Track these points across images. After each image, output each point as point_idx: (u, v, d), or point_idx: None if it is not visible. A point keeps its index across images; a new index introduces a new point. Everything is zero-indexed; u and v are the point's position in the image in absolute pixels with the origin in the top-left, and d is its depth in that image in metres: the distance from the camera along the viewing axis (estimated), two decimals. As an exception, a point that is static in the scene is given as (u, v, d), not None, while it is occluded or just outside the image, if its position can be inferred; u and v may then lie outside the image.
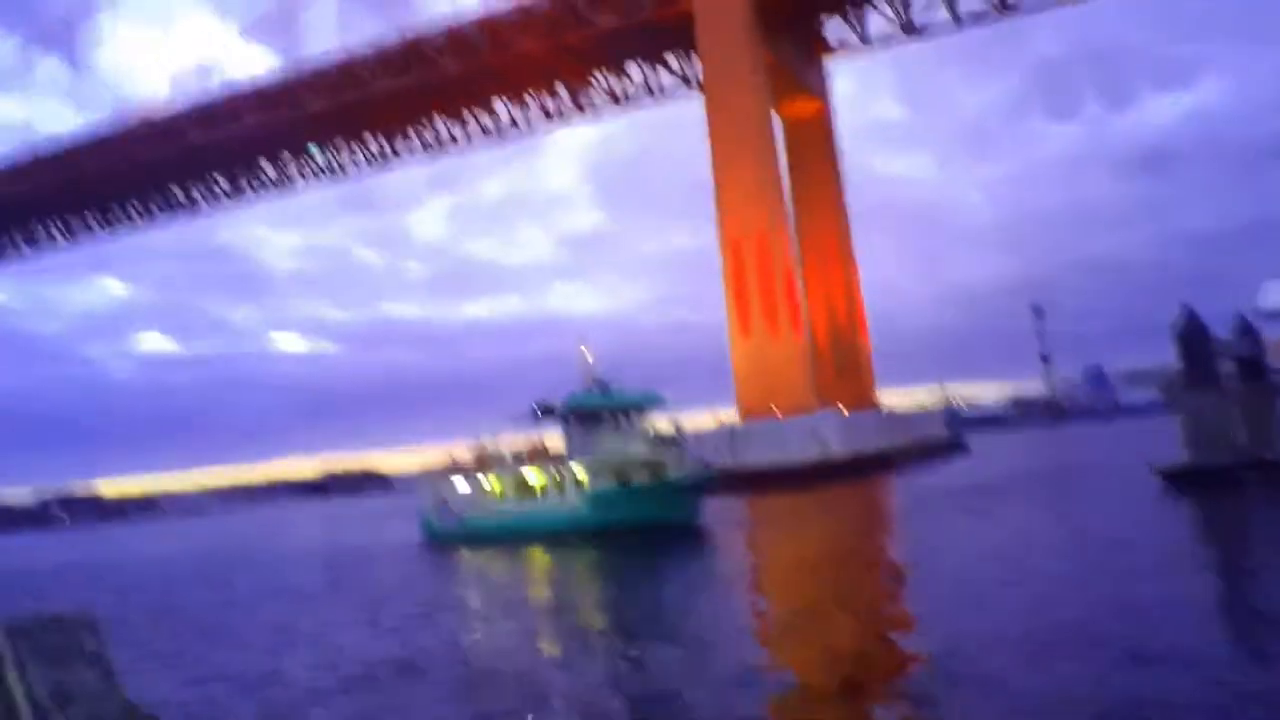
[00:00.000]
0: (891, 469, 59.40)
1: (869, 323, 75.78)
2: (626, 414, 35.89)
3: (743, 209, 63.49)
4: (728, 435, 60.26)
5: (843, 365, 72.16)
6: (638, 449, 34.98)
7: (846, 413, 63.13)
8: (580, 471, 35.11)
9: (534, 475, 36.81)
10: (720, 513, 41.29)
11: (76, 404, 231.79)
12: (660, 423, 37.61)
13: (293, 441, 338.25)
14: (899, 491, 45.44)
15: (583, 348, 38.11)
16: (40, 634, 6.53)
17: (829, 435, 56.84)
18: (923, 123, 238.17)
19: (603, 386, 36.72)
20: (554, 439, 37.40)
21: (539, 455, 37.41)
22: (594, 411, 35.69)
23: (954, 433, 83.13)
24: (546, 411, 36.43)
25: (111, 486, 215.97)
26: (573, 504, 34.92)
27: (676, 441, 36.82)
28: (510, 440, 38.73)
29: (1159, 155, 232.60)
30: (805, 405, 61.18)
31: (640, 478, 34.12)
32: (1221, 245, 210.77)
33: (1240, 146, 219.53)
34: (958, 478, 49.49)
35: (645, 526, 32.00)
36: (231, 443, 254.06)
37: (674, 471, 34.67)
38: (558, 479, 35.85)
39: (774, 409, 60.63)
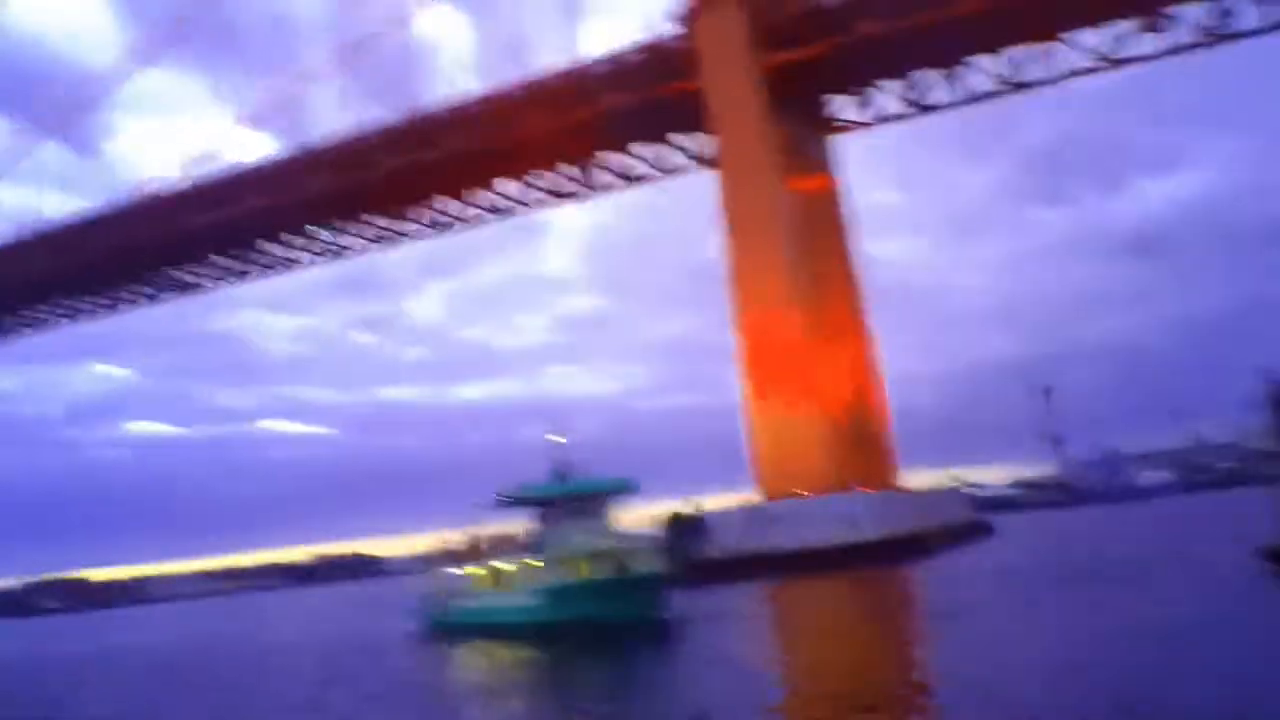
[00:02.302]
0: (924, 552, 56.71)
1: (888, 400, 73.77)
2: (592, 502, 34.32)
3: (757, 284, 62.21)
4: (751, 516, 57.71)
5: (861, 443, 69.70)
6: (598, 541, 32.98)
7: (866, 493, 60.62)
8: (535, 565, 33.41)
9: (502, 567, 35.59)
10: (739, 601, 39.10)
11: (68, 489, 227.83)
12: (666, 506, 36.22)
13: (284, 526, 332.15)
14: (943, 576, 42.91)
15: (552, 434, 36.70)
16: None
17: (860, 516, 54.25)
18: (916, 206, 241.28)
19: (562, 474, 35.08)
20: (524, 528, 36.19)
21: (506, 546, 36.23)
22: (555, 500, 34.25)
23: (978, 515, 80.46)
24: (511, 501, 35.20)
25: (101, 573, 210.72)
26: (528, 599, 33.11)
27: (640, 533, 36.16)
28: (489, 530, 37.85)
29: (1150, 239, 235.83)
30: (828, 484, 58.82)
31: (600, 571, 31.71)
32: (1217, 327, 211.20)
33: (1228, 230, 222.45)
34: (1001, 561, 47.04)
35: (603, 623, 29.86)
36: (222, 528, 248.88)
37: (638, 564, 32.41)
38: (516, 572, 34.52)
39: (798, 489, 58.19)
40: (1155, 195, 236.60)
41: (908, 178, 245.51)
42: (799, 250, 64.19)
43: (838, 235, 72.80)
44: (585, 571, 31.66)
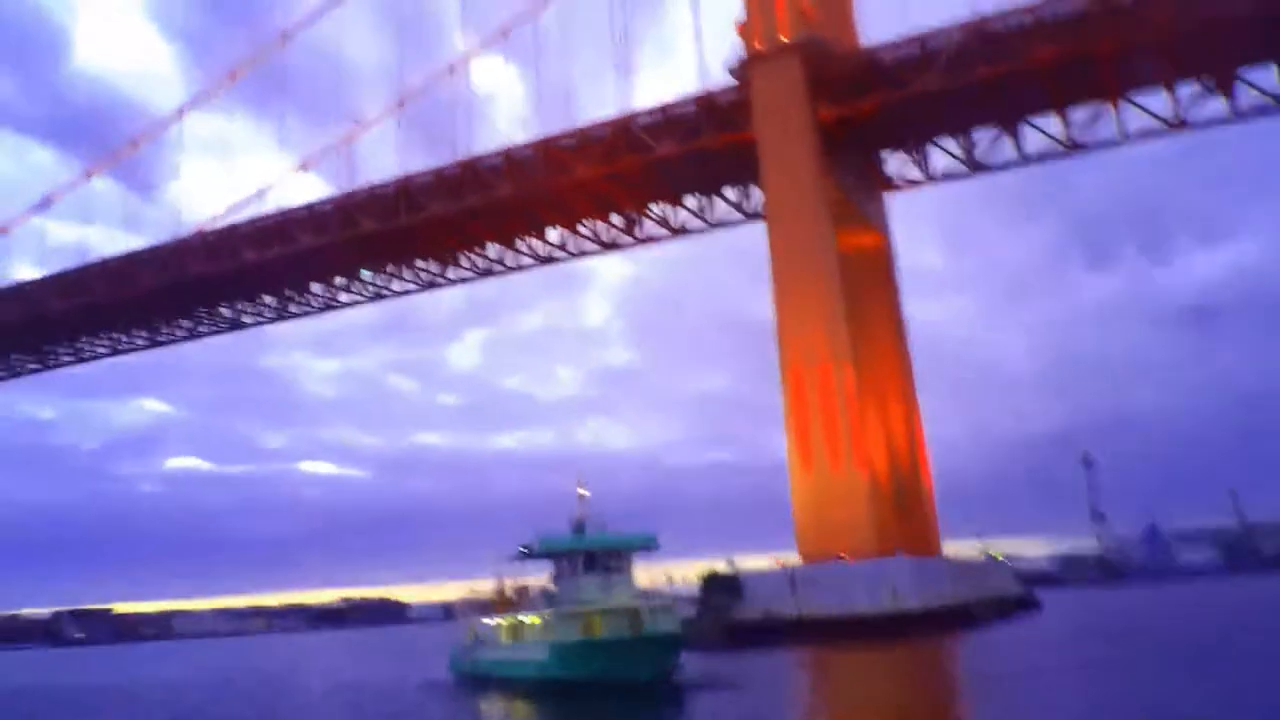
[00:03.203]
0: (970, 624, 54.40)
1: (931, 464, 71.85)
2: (610, 557, 33.45)
3: (805, 339, 61.10)
4: (789, 579, 55.80)
5: (904, 508, 67.77)
6: (613, 597, 32.14)
7: (912, 559, 58.50)
8: (544, 620, 32.66)
9: (522, 619, 34.95)
10: (772, 667, 37.42)
11: (101, 521, 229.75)
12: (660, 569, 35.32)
13: (313, 567, 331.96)
14: (993, 651, 40.58)
15: (577, 487, 36.21)
16: None
17: (904, 583, 52.15)
18: (961, 269, 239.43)
19: (579, 527, 34.52)
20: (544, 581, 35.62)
21: (529, 597, 35.69)
22: (572, 554, 33.51)
23: (1025, 588, 77.65)
24: (530, 553, 34.62)
25: (128, 606, 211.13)
26: (538, 653, 32.24)
27: (660, 593, 34.93)
28: (516, 580, 37.45)
29: (1200, 307, 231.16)
30: (870, 549, 56.84)
31: (614, 628, 30.68)
32: (1266, 401, 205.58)
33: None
34: (1056, 635, 44.69)
35: (613, 683, 28.74)
36: (252, 566, 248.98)
37: (654, 623, 31.30)
38: (531, 625, 33.83)
39: (839, 553, 56.31)
40: (1206, 263, 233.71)
41: (952, 238, 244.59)
42: (847, 308, 63.16)
43: (885, 294, 71.76)
44: (598, 628, 30.72)
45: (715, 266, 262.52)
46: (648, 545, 34.54)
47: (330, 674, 49.65)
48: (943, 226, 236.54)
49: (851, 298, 65.33)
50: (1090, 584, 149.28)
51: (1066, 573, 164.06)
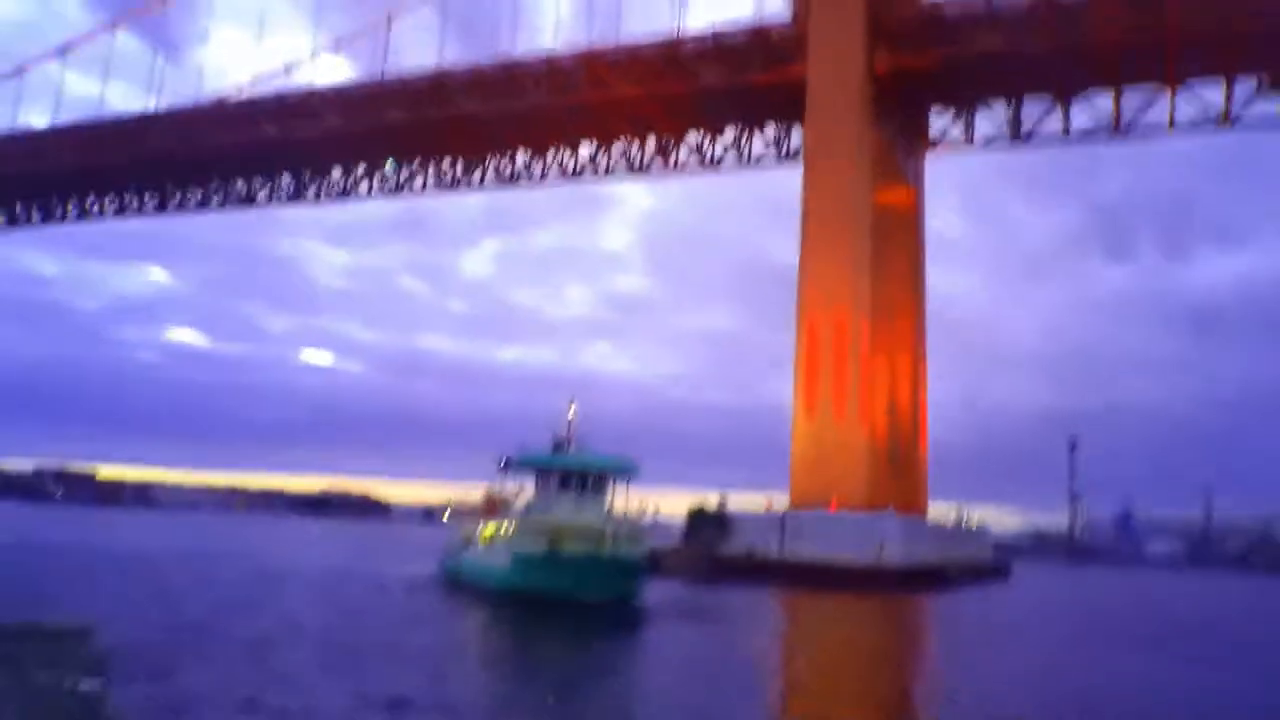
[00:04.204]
0: (945, 584, 55.65)
1: (928, 428, 72.51)
2: (587, 477, 33.90)
3: (826, 286, 60.93)
4: (778, 521, 56.71)
5: (898, 466, 68.52)
6: (582, 516, 32.47)
7: (901, 517, 59.47)
8: (512, 530, 33.32)
9: (495, 528, 35.69)
10: (749, 602, 38.57)
11: (92, 383, 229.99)
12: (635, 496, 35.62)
13: (299, 455, 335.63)
14: (965, 612, 41.72)
15: (567, 405, 36.53)
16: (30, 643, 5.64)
17: (889, 539, 53.10)
18: (980, 241, 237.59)
19: (559, 445, 34.95)
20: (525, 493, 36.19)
21: (506, 508, 36.13)
22: (550, 470, 34.12)
23: (998, 556, 79.27)
24: (511, 465, 35.45)
25: (111, 470, 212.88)
26: (503, 562, 33.01)
27: (636, 518, 34.93)
28: (501, 489, 37.76)
29: (1207, 311, 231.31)
30: (861, 501, 57.69)
31: (577, 546, 31.10)
32: (1254, 410, 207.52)
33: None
34: (1022, 605, 45.95)
35: (567, 599, 29.49)
36: (237, 445, 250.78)
37: (619, 547, 31.72)
38: (499, 535, 34.54)
39: (831, 501, 57.11)
40: (1219, 268, 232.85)
41: (974, 209, 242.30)
42: (873, 260, 62.87)
43: (909, 253, 71.43)
44: (561, 544, 31.16)
45: (740, 210, 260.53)
46: (626, 470, 34.89)
47: (314, 562, 50.34)
48: (967, 196, 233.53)
49: (875, 252, 64.97)
50: (1057, 560, 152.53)
51: (1035, 547, 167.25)
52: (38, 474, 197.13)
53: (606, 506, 33.95)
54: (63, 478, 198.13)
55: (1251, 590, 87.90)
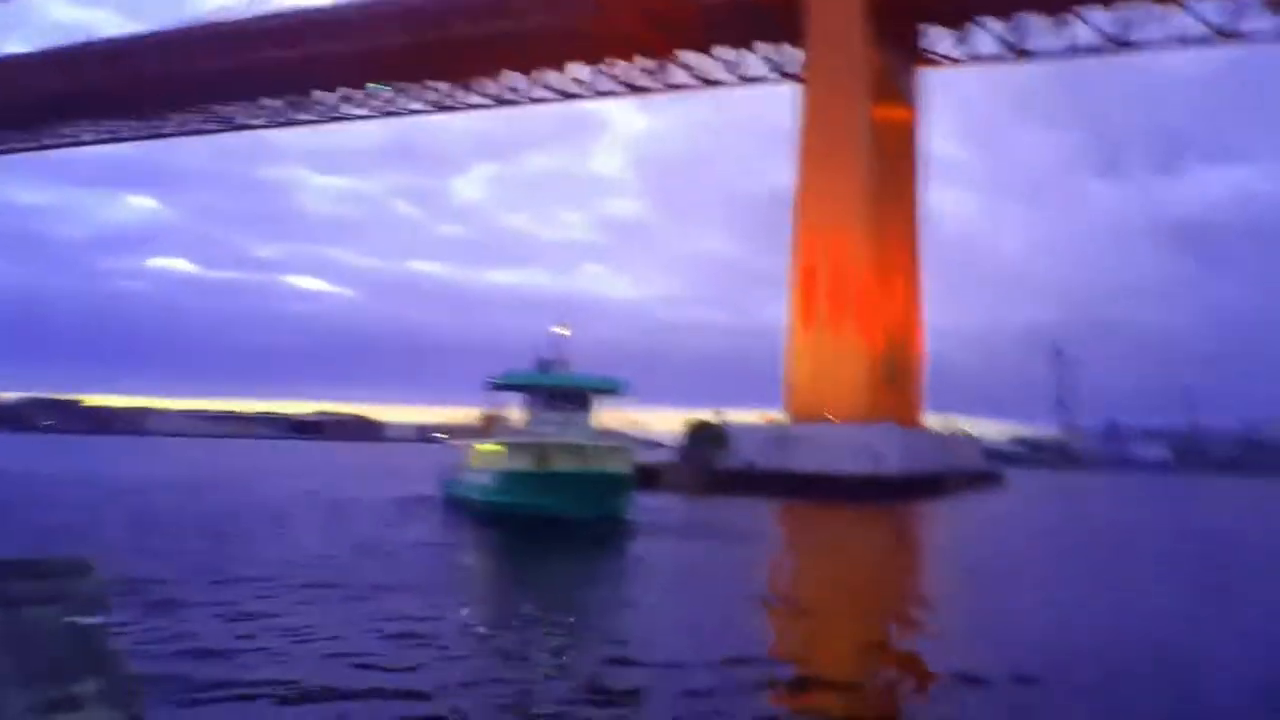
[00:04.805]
0: (941, 493, 57.56)
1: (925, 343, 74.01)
2: (574, 396, 34.15)
3: (826, 207, 61.52)
4: (776, 435, 58.35)
5: (894, 380, 70.17)
6: (568, 434, 32.84)
7: (898, 428, 61.27)
8: (498, 449, 33.69)
9: (484, 447, 35.88)
10: (747, 514, 39.50)
11: (79, 312, 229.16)
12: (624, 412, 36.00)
13: (290, 379, 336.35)
14: (964, 519, 43.43)
15: (557, 325, 36.54)
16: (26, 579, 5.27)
17: (887, 449, 54.85)
18: (974, 159, 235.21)
19: (545, 364, 35.10)
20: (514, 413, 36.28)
21: (497, 428, 36.18)
22: (537, 389, 34.28)
23: (992, 464, 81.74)
24: (498, 385, 35.35)
25: (100, 399, 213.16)
26: (489, 481, 33.40)
27: (625, 434, 35.43)
28: (495, 411, 37.50)
29: (1199, 228, 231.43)
30: (857, 414, 59.32)
31: (568, 464, 31.64)
32: (1243, 322, 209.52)
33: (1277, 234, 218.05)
34: (1017, 511, 47.71)
35: (557, 514, 29.48)
36: (228, 372, 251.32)
37: (605, 463, 32.23)
38: (487, 454, 34.82)
39: (828, 414, 58.78)
40: (1213, 183, 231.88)
41: (968, 127, 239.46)
42: (871, 181, 63.26)
43: (907, 171, 71.71)
44: (546, 461, 31.54)
45: (735, 133, 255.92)
46: (612, 389, 35.03)
47: (311, 486, 49.53)
48: (963, 117, 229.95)
49: (874, 171, 65.35)
50: (1047, 467, 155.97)
51: (1025, 454, 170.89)
52: (27, 404, 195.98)
53: (593, 424, 34.19)
54: (53, 407, 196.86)
55: (1242, 489, 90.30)
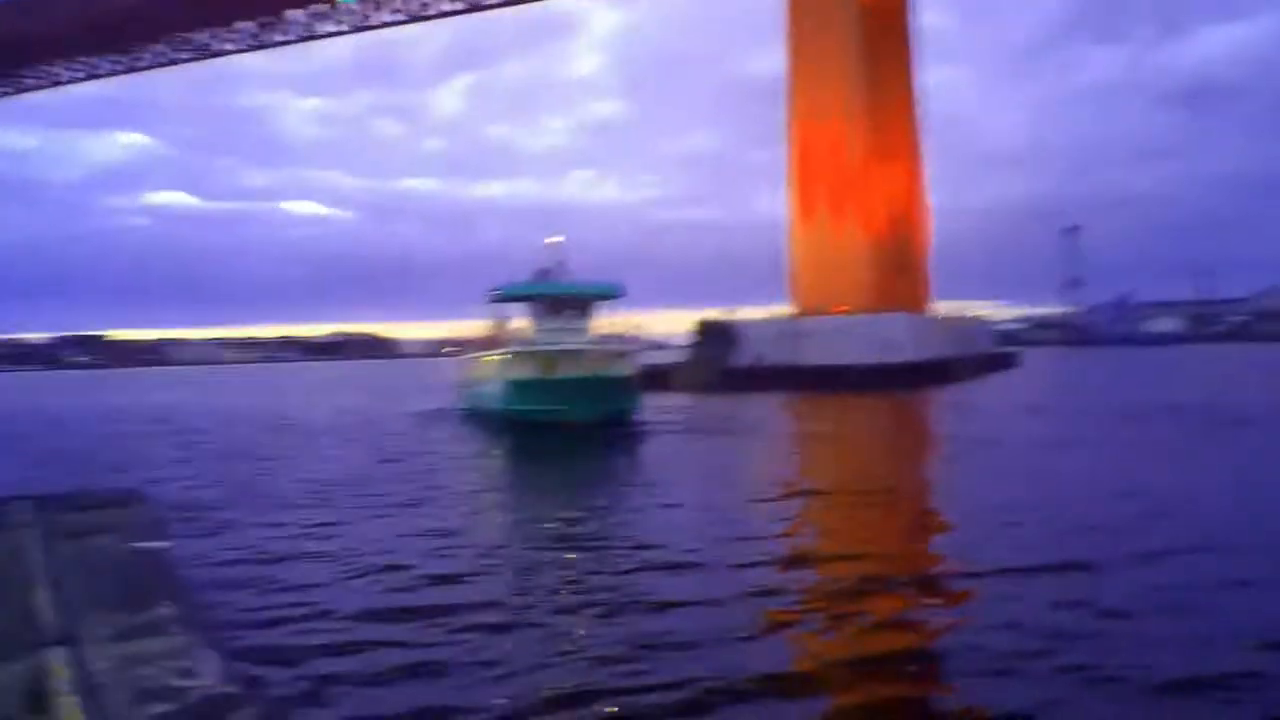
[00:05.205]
0: (954, 378, 57.31)
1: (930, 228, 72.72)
2: (573, 304, 34.60)
3: (817, 95, 59.66)
4: (785, 330, 57.96)
5: (901, 267, 69.20)
6: (570, 340, 33.47)
7: (907, 315, 60.68)
8: (503, 359, 34.36)
9: (491, 358, 36.58)
10: (758, 411, 39.56)
11: (89, 253, 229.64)
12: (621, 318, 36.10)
13: (304, 304, 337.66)
14: (978, 403, 43.13)
15: (550, 236, 36.86)
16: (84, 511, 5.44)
17: (897, 338, 54.45)
18: (969, 33, 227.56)
19: (544, 274, 35.50)
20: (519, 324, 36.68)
21: (504, 339, 36.57)
22: (537, 299, 34.67)
23: (1003, 347, 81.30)
24: (499, 298, 35.81)
25: (124, 333, 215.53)
26: (496, 390, 34.14)
27: (625, 338, 35.82)
28: (501, 322, 37.71)
29: (1203, 88, 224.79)
30: (866, 304, 58.76)
31: (567, 370, 32.40)
32: (1251, 185, 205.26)
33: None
34: (1031, 393, 47.31)
35: (563, 419, 30.34)
36: (240, 300, 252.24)
37: (607, 367, 32.94)
38: (494, 364, 35.43)
39: (836, 306, 58.17)
40: (1217, 42, 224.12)
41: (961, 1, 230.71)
42: (863, 64, 61.06)
43: (900, 52, 69.16)
44: (549, 368, 32.32)
45: (715, 22, 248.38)
46: (609, 294, 35.39)
47: (335, 405, 51.36)
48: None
49: (866, 54, 63.00)
50: (1058, 345, 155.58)
51: (1036, 335, 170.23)
52: (54, 342, 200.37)
53: (589, 330, 34.79)
54: (80, 344, 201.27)
55: (1252, 355, 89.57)
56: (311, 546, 13.87)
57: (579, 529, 15.02)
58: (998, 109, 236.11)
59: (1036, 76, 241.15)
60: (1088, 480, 18.77)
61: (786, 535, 14.34)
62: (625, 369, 34.00)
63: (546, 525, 15.52)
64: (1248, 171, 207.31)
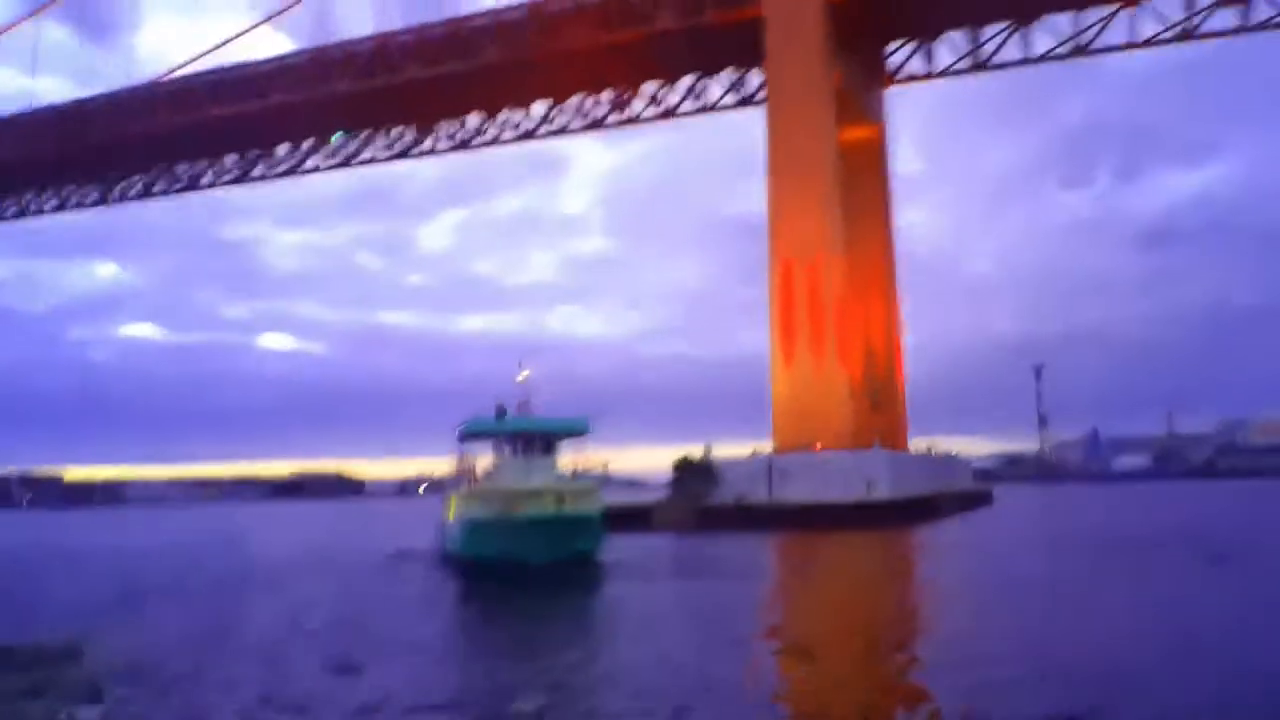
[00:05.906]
0: (935, 515, 56.27)
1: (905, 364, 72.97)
2: (538, 440, 33.70)
3: (798, 229, 60.59)
4: (765, 467, 56.76)
5: (878, 403, 68.92)
6: (531, 478, 32.32)
7: (887, 452, 59.91)
8: (463, 499, 33.10)
9: (455, 498, 35.25)
10: (738, 551, 38.57)
11: (51, 385, 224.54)
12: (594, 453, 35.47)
13: (267, 440, 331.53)
14: (963, 541, 42.14)
15: (520, 370, 35.96)
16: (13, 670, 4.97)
17: (878, 475, 53.43)
18: (939, 173, 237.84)
19: (503, 411, 34.32)
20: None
21: (467, 477, 35.88)
22: (501, 436, 33.91)
23: (979, 483, 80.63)
24: (464, 435, 35.04)
25: (79, 471, 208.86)
26: (456, 531, 32.98)
27: (592, 474, 35.07)
28: (472, 460, 36.90)
29: (1165, 232, 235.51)
30: (846, 441, 58.01)
31: (533, 509, 30.68)
32: (1219, 326, 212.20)
33: (1244, 230, 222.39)
34: (1012, 529, 46.60)
35: (523, 561, 28.76)
36: (205, 436, 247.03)
37: (571, 506, 31.33)
38: (456, 504, 34.14)
39: (815, 443, 57.29)
40: (1176, 186, 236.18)
41: (932, 142, 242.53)
42: (841, 203, 62.49)
43: (877, 191, 71.14)
44: (512, 508, 30.69)
45: (700, 163, 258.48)
46: (576, 430, 34.48)
47: (295, 548, 49.20)
48: (928, 130, 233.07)
49: (844, 192, 64.58)
50: (1031, 481, 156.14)
51: (1009, 470, 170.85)
52: (2, 480, 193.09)
53: (555, 467, 33.81)
54: (29, 483, 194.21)
55: (1218, 492, 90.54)
56: (267, 708, 12.35)
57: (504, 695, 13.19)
58: (972, 248, 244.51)
59: (1007, 216, 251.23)
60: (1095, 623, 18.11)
61: (748, 691, 13.05)
62: (591, 507, 32.47)
63: (493, 680, 14.10)
64: (1210, 309, 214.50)
